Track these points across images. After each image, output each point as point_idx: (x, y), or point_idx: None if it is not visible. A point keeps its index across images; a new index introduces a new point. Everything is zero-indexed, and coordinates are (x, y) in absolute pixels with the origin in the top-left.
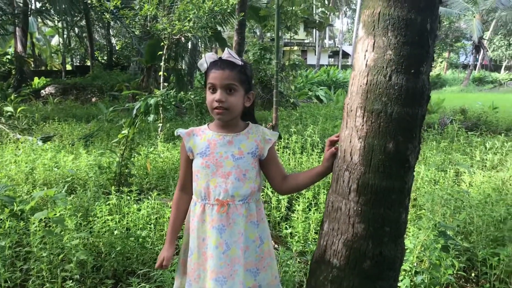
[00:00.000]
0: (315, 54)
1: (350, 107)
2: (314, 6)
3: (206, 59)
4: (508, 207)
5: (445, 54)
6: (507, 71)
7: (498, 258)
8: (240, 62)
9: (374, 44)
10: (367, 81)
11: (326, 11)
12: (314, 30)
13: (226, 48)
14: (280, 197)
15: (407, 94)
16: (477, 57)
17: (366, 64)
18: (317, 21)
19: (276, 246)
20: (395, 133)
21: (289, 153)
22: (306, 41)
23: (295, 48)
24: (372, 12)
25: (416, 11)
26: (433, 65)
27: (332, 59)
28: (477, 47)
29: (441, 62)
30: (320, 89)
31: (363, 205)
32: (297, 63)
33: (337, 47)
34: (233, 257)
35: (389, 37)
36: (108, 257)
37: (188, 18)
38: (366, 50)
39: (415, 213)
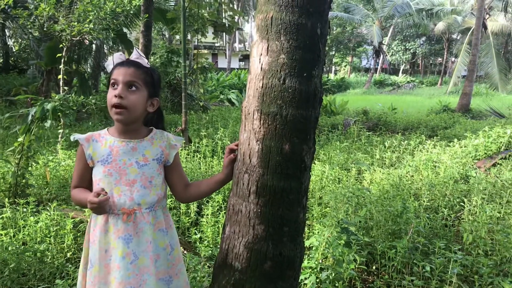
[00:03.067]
0: (226, 58)
1: (247, 110)
2: (222, 10)
3: (114, 59)
4: (404, 202)
5: (349, 59)
6: (404, 74)
7: (395, 250)
8: (147, 65)
9: (268, 48)
10: (262, 84)
11: (233, 15)
12: (224, 33)
13: (135, 48)
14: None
15: (300, 96)
16: (378, 61)
17: (261, 68)
18: (225, 25)
19: (184, 252)
20: (290, 135)
21: (200, 157)
22: (216, 45)
23: (205, 51)
24: (265, 16)
25: (306, 16)
26: (337, 69)
27: (243, 62)
28: (377, 51)
29: (345, 66)
30: (232, 92)
31: (263, 207)
32: (206, 66)
33: (247, 50)
34: (142, 267)
35: (282, 41)
36: (1, 276)
37: (89, 19)
38: (261, 54)
39: (321, 211)
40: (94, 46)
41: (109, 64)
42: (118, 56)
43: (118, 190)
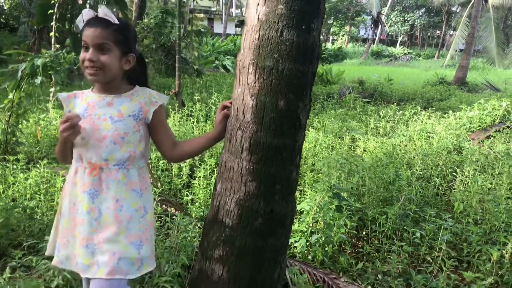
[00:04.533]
0: (222, 23)
1: (242, 64)
2: None
3: (83, 16)
4: (396, 170)
5: (347, 28)
6: (402, 46)
7: (386, 216)
8: (115, 21)
9: None
10: (259, 36)
11: None
12: None
13: (102, 6)
14: (182, 164)
15: (298, 50)
16: (376, 32)
17: (258, 19)
18: None
19: (176, 213)
20: (286, 91)
21: (193, 121)
22: (213, 9)
23: (201, 15)
24: None
25: None
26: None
27: (239, 28)
28: (376, 22)
29: (342, 36)
30: (227, 58)
31: (255, 164)
32: (202, 30)
33: (244, 16)
34: (105, 225)
35: None
36: None
37: None
38: (258, 4)
39: (313, 177)
40: (87, 5)
41: (80, 21)
42: (87, 13)
43: (88, 144)
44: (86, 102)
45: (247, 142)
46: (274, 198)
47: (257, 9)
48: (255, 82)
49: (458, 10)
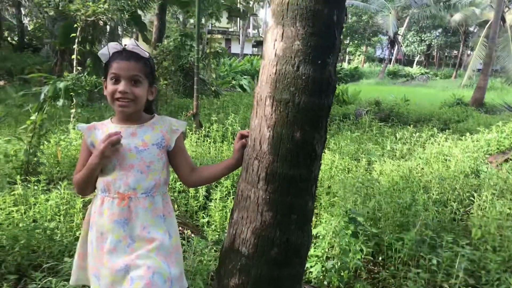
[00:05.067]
0: (239, 43)
1: (260, 96)
2: None
3: (109, 49)
4: (413, 194)
5: (363, 48)
6: (418, 66)
7: (403, 242)
8: (146, 54)
9: (283, 33)
10: (276, 70)
11: (248, 0)
12: (238, 19)
13: (131, 39)
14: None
15: (313, 84)
16: (392, 51)
17: (275, 54)
18: (240, 10)
19: (192, 235)
20: (302, 123)
21: (210, 141)
22: (230, 30)
23: (219, 36)
24: (281, 1)
25: (323, 2)
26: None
27: (256, 48)
28: (392, 42)
29: (359, 56)
30: (244, 78)
31: (272, 193)
32: (219, 51)
33: (261, 37)
34: (138, 248)
35: (297, 27)
36: (11, 251)
37: (103, 0)
38: (276, 40)
39: (329, 200)
40: (108, 27)
41: (104, 53)
42: (113, 46)
43: (115, 174)
44: (108, 133)
45: (263, 172)
46: (290, 227)
47: (274, 44)
48: (272, 114)
49: (475, 30)
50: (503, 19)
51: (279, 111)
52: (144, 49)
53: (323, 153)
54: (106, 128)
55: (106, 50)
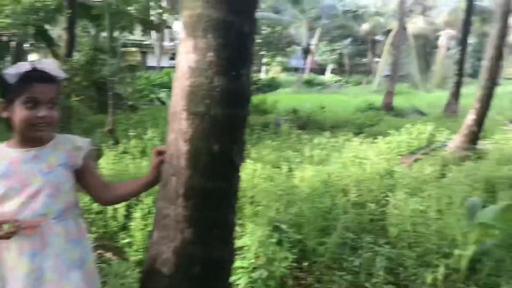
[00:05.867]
0: (156, 56)
1: (174, 110)
2: (151, 7)
3: (19, 69)
4: (333, 198)
5: (279, 58)
6: (332, 74)
7: (325, 246)
8: (63, 75)
9: (195, 45)
10: (189, 83)
11: (162, 12)
12: (153, 31)
13: (48, 59)
14: (117, 205)
15: (228, 95)
16: (306, 61)
17: (188, 66)
18: (154, 22)
19: (112, 258)
20: (219, 135)
21: (128, 158)
22: (146, 43)
23: (134, 49)
24: (192, 13)
25: (235, 13)
26: (268, 68)
27: (174, 61)
28: (306, 52)
29: (275, 66)
30: (162, 91)
31: (192, 210)
32: (134, 64)
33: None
34: (49, 283)
35: (209, 39)
36: None
37: (4, 14)
38: (188, 52)
39: (253, 210)
40: (13, 43)
41: (12, 73)
42: (24, 66)
43: (21, 203)
44: (7, 160)
45: (182, 188)
46: (212, 243)
47: (187, 57)
48: (188, 128)
49: (382, 39)
50: (405, 28)
51: (195, 125)
52: (58, 68)
53: (245, 163)
54: (3, 154)
55: (16, 69)
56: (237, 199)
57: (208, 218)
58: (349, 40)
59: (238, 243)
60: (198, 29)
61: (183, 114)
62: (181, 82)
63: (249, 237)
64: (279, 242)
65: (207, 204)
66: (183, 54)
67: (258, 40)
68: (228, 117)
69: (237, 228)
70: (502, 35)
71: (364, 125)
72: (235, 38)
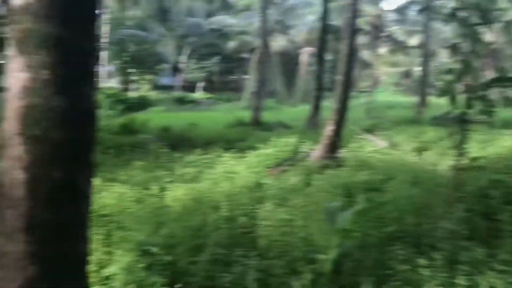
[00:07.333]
0: None
1: (8, 135)
2: None
3: None
4: (204, 215)
5: (149, 76)
6: (202, 91)
7: (198, 265)
8: None
9: (28, 63)
10: (24, 104)
11: None
12: None
13: None
14: None
15: (69, 116)
16: (177, 79)
17: (21, 86)
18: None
19: None
20: (61, 161)
21: None
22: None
23: None
24: (23, 28)
25: (69, 29)
26: (138, 87)
27: None
28: (176, 69)
29: (145, 84)
30: None
31: (34, 244)
32: None
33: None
34: None
35: (43, 55)
36: None
37: None
38: (20, 70)
39: (121, 235)
40: None
41: None
42: None
43: None
44: None
45: (21, 222)
46: (61, 278)
47: (19, 75)
48: (24, 154)
49: (248, 57)
50: (269, 46)
51: (33, 150)
52: None
53: (112, 186)
54: None
55: None
56: (88, 228)
57: (55, 251)
58: (217, 58)
59: (104, 272)
60: (29, 45)
61: (18, 138)
62: (14, 104)
63: (116, 265)
64: (149, 267)
65: (52, 237)
66: (14, 73)
67: (125, 58)
68: (70, 141)
69: (104, 257)
70: (351, 52)
71: (235, 140)
72: (72, 55)
